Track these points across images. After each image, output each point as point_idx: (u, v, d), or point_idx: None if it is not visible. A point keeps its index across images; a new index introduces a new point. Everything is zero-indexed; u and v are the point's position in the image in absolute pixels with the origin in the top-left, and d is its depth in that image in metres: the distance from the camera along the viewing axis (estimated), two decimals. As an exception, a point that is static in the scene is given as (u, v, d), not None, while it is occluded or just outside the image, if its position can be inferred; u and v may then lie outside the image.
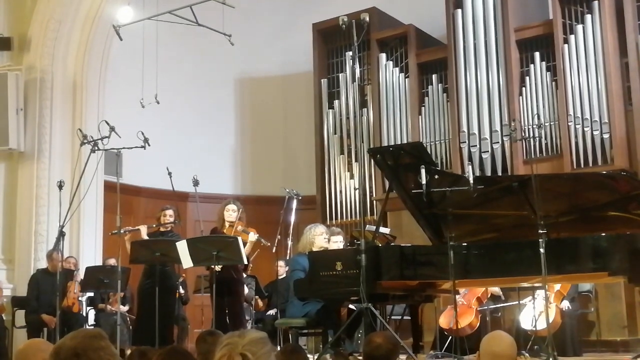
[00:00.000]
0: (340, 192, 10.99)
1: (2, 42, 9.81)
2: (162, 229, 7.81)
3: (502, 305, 8.39)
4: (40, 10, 9.88)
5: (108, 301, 9.09)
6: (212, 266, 7.09)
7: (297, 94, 12.28)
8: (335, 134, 11.20)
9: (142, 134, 7.13)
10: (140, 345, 7.16)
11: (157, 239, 7.62)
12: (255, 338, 2.21)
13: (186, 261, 6.91)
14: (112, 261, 9.01)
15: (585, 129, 8.98)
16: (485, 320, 8.16)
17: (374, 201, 10.56)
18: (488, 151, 9.59)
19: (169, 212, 7.80)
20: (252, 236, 7.18)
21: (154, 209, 9.48)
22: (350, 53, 10.77)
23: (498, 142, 9.56)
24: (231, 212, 7.39)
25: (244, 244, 7.14)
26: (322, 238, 6.81)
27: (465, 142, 9.75)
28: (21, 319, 8.81)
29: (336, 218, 10.89)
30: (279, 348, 6.09)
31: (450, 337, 7.71)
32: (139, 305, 7.92)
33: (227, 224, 7.37)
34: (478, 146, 9.67)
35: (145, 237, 7.68)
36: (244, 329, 2.32)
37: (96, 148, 7.26)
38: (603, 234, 5.58)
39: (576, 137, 9.05)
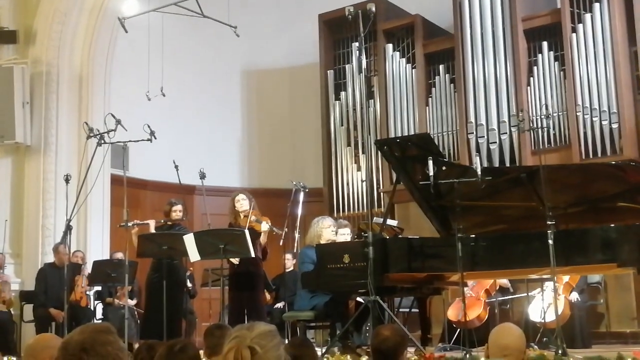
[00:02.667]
0: (348, 184, 10.98)
1: (8, 35, 9.80)
2: (169, 223, 7.81)
3: (510, 297, 8.36)
4: (46, 3, 9.87)
5: (116, 295, 9.09)
6: (231, 260, 7.11)
7: (304, 86, 12.24)
8: (342, 125, 11.18)
9: (149, 126, 7.12)
10: (148, 339, 7.18)
11: (164, 232, 7.61)
12: (264, 331, 2.20)
13: (193, 255, 6.90)
14: (119, 255, 9.01)
15: (594, 119, 8.92)
16: (494, 312, 8.13)
17: (381, 193, 10.54)
18: (496, 142, 9.54)
19: (178, 207, 7.78)
20: (264, 226, 7.18)
21: (161, 203, 9.47)
22: (357, 44, 10.70)
23: (506, 133, 9.51)
24: (242, 202, 7.37)
25: (258, 234, 7.16)
26: (330, 231, 6.80)
27: (473, 133, 9.71)
28: (29, 313, 8.83)
29: (343, 210, 10.87)
30: (286, 341, 6.09)
31: (459, 330, 7.68)
32: (146, 299, 7.93)
33: (241, 215, 7.35)
34: (486, 137, 9.62)
35: (154, 231, 7.66)
36: (253, 322, 2.30)
37: (102, 141, 7.25)
38: (612, 225, 5.54)
39: (585, 127, 8.99)
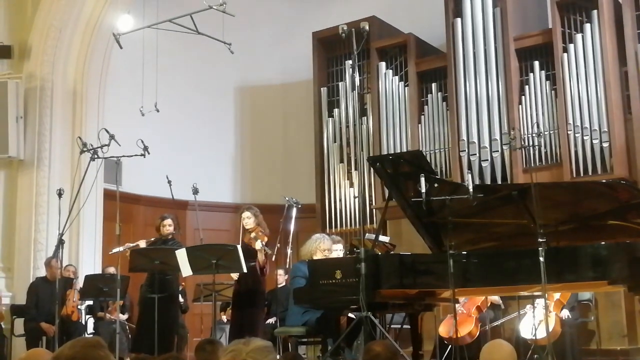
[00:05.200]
0: (340, 200, 10.99)
1: (3, 50, 9.82)
2: (162, 239, 7.79)
3: (502, 320, 8.35)
4: (41, 19, 9.90)
5: (107, 309, 9.07)
6: (232, 275, 7.13)
7: (297, 103, 12.30)
8: (335, 142, 11.21)
9: (142, 142, 7.13)
10: (139, 352, 7.17)
11: (157, 247, 7.60)
12: (260, 346, 2.23)
13: (185, 270, 6.90)
14: (111, 269, 9.00)
15: (585, 137, 8.99)
16: (485, 329, 8.14)
17: (374, 209, 10.56)
18: (488, 160, 9.59)
19: (168, 221, 7.77)
20: (258, 244, 7.18)
21: (154, 218, 9.45)
22: (350, 62, 10.79)
23: (497, 151, 9.57)
24: (246, 220, 7.38)
25: (256, 252, 7.17)
26: (323, 255, 6.78)
27: (465, 150, 9.75)
28: (20, 327, 8.79)
29: (336, 226, 10.88)
30: (278, 357, 6.07)
31: (450, 346, 7.69)
32: (139, 313, 7.90)
33: (248, 232, 7.38)
34: (477, 155, 9.67)
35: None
36: (249, 337, 2.33)
37: (96, 156, 7.25)
38: (602, 243, 5.56)
39: (576, 145, 9.05)
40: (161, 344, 7.05)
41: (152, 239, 7.79)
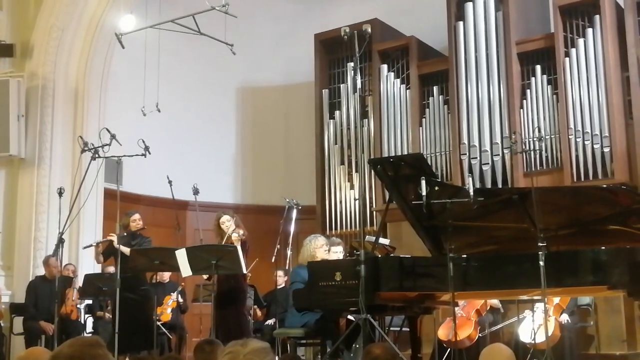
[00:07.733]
0: (340, 202, 11.00)
1: (5, 49, 9.83)
2: (126, 234, 7.77)
3: (501, 324, 8.35)
4: (43, 18, 9.92)
5: (106, 309, 9.06)
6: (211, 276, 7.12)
7: (298, 104, 12.30)
8: (335, 144, 11.21)
9: (143, 142, 7.12)
10: (123, 352, 7.15)
11: (156, 247, 7.61)
12: (257, 348, 2.23)
13: (185, 270, 6.90)
14: (110, 269, 8.99)
15: (586, 142, 8.99)
16: (485, 332, 8.13)
17: (374, 212, 10.56)
18: (488, 163, 9.59)
19: (137, 216, 7.83)
20: (234, 235, 7.21)
21: (154, 218, 9.50)
22: (352, 64, 10.79)
23: (498, 155, 9.57)
24: (227, 224, 7.38)
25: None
26: (323, 250, 6.80)
27: (466, 154, 9.76)
28: (19, 325, 8.80)
29: (336, 228, 10.88)
30: (277, 358, 6.08)
31: (449, 349, 7.70)
32: (113, 312, 7.88)
33: (230, 235, 7.37)
34: (478, 158, 9.67)
35: (117, 245, 7.54)
36: (246, 338, 2.32)
37: (97, 155, 7.25)
38: (603, 248, 5.56)
39: (577, 150, 9.06)
40: (140, 342, 7.03)
41: (125, 234, 7.74)
